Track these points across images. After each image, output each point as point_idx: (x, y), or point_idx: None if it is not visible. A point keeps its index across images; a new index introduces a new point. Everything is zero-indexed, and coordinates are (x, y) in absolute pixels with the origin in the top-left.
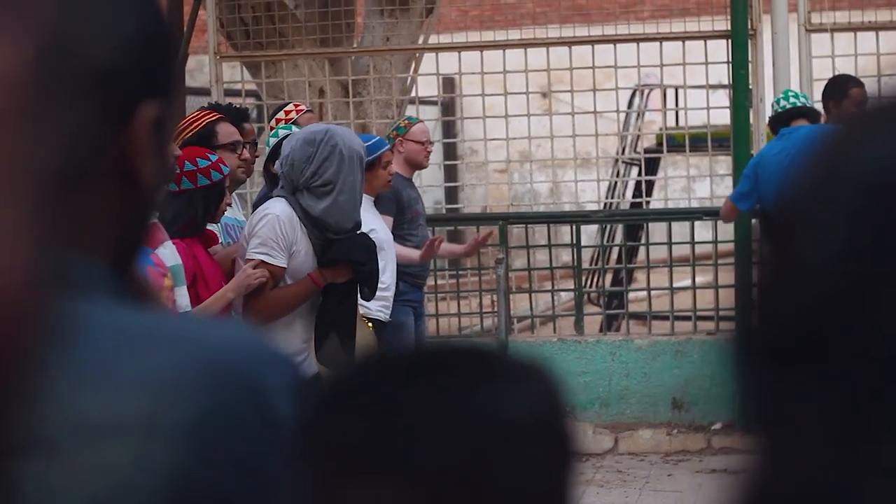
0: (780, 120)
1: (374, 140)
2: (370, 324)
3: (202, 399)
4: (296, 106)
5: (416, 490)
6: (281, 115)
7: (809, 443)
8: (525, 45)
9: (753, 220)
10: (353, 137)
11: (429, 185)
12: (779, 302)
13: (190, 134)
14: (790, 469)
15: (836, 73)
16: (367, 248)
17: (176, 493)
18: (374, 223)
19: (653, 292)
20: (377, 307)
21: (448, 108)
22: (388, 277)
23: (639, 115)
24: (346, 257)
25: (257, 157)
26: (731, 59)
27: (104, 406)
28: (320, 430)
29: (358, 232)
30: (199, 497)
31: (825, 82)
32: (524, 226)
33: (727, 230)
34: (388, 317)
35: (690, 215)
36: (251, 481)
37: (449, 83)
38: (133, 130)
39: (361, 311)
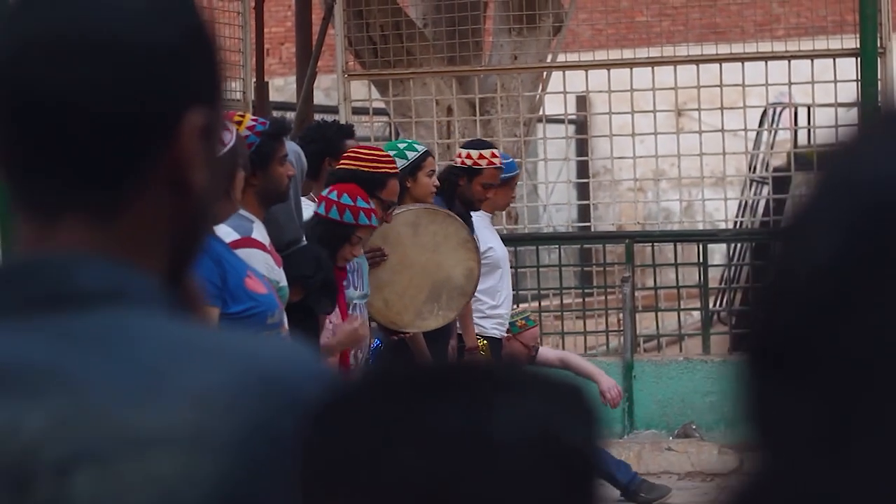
0: None
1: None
2: (484, 341)
3: (250, 414)
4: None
5: None
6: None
7: (798, 446)
8: (653, 63)
9: None
10: (292, 148)
11: (559, 203)
12: (770, 309)
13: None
14: (781, 472)
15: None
16: (315, 259)
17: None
18: (492, 241)
19: None
20: (492, 325)
21: (581, 126)
22: (503, 295)
23: (770, 133)
24: (290, 273)
25: None
26: (860, 77)
27: (154, 418)
28: (306, 446)
29: (303, 245)
30: None
31: None
32: (651, 245)
33: None
34: (503, 334)
35: None
36: (296, 498)
37: (581, 101)
38: (180, 139)
39: (476, 329)
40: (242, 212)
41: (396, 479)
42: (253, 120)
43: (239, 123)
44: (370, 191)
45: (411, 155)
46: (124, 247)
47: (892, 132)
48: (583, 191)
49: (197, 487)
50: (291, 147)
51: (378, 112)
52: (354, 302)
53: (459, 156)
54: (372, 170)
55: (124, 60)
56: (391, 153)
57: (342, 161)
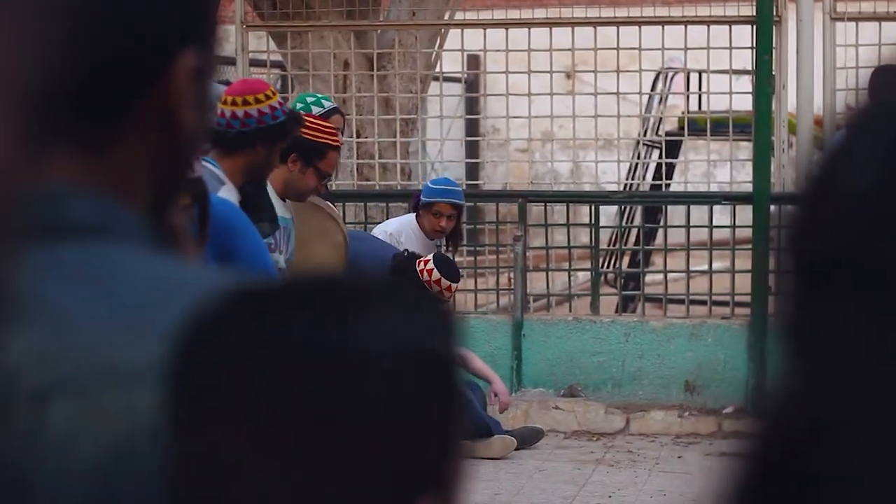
0: None
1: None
2: None
3: None
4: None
5: (259, 423)
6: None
7: (843, 354)
8: (550, 24)
9: (772, 207)
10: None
11: (450, 161)
12: (814, 227)
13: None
14: (822, 380)
15: (860, 61)
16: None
17: None
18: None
19: (669, 275)
20: None
21: (472, 85)
22: None
23: (662, 98)
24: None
25: None
26: (755, 45)
27: (132, 351)
28: (178, 369)
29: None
30: None
31: (848, 71)
32: (543, 205)
33: (745, 215)
34: None
35: (709, 199)
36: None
37: (474, 60)
38: (172, 79)
39: None
40: (218, 171)
41: (253, 396)
42: (281, 101)
43: (268, 98)
44: (308, 159)
45: (316, 110)
46: (112, 182)
47: None
48: (472, 150)
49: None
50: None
51: (275, 65)
52: (280, 267)
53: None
54: (313, 139)
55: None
56: (297, 105)
57: None
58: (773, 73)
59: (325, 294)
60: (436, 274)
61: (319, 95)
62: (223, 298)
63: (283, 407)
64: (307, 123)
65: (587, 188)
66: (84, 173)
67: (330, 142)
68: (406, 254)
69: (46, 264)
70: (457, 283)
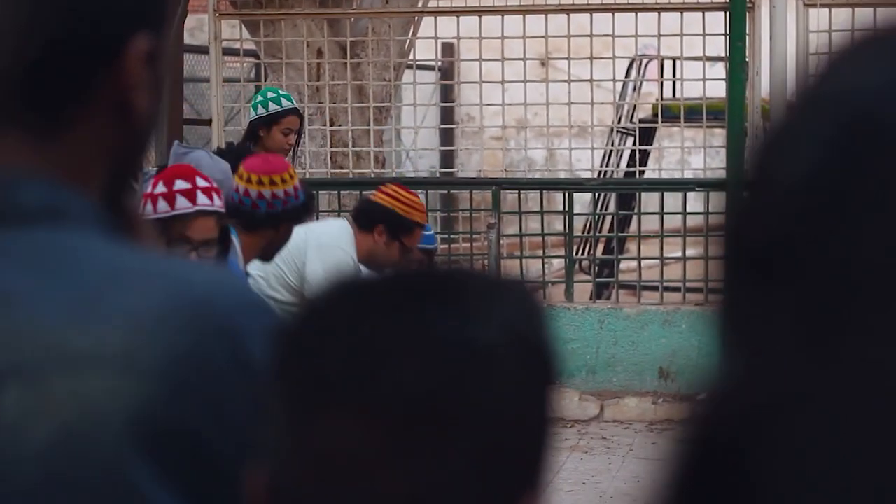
0: None
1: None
2: None
3: (179, 337)
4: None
5: (383, 421)
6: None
7: (779, 347)
8: (524, 11)
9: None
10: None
11: (424, 149)
12: (753, 216)
13: None
14: (758, 372)
15: (833, 47)
16: None
17: (145, 426)
18: None
19: (643, 262)
20: None
21: (446, 72)
22: None
23: (635, 85)
24: None
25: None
26: (728, 32)
27: (84, 337)
28: (285, 363)
29: None
30: (167, 432)
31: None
32: (517, 192)
33: (719, 202)
34: None
35: (683, 186)
36: (221, 422)
37: (448, 48)
38: (125, 63)
39: None
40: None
41: (393, 388)
42: (299, 185)
43: (291, 178)
44: (396, 233)
45: (272, 107)
46: (65, 168)
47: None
48: (445, 138)
49: (121, 407)
50: (220, 165)
51: (248, 53)
52: None
53: None
54: (405, 214)
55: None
56: (258, 98)
57: (378, 195)
58: (747, 59)
59: (432, 286)
60: None
61: (281, 92)
62: (331, 292)
63: (401, 400)
64: (401, 198)
65: (561, 175)
66: (36, 159)
67: (419, 220)
68: None
69: None
70: None
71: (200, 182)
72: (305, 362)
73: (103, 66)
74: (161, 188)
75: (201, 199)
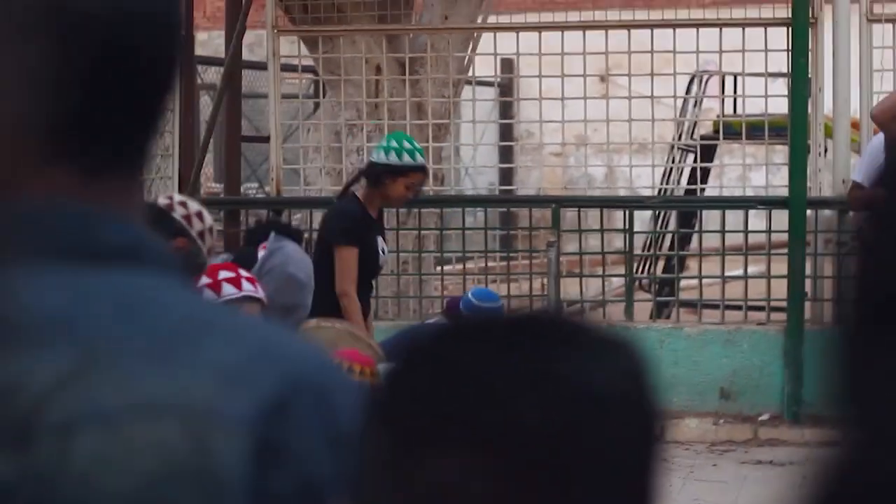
0: None
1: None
2: None
3: (267, 392)
4: None
5: (498, 458)
6: None
7: None
8: (584, 27)
9: (808, 212)
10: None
11: (483, 166)
12: (880, 261)
13: None
14: (883, 447)
15: None
16: None
17: (228, 480)
18: None
19: (704, 281)
20: None
21: (505, 89)
22: None
23: (696, 101)
24: None
25: None
26: (790, 48)
27: (168, 385)
28: (397, 399)
29: None
30: (249, 487)
31: (884, 73)
32: (577, 210)
33: (781, 220)
34: None
35: (745, 204)
36: (304, 482)
37: (507, 64)
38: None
39: None
40: None
41: (512, 425)
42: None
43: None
44: None
45: (406, 159)
46: (136, 207)
47: None
48: (505, 154)
49: (204, 458)
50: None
51: (306, 69)
52: None
53: None
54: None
55: (166, 15)
56: (391, 143)
57: None
58: (809, 75)
59: (548, 328)
60: None
61: (416, 145)
62: (435, 333)
63: (519, 437)
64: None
65: (621, 193)
66: (123, 198)
67: None
68: None
69: (75, 288)
70: None
71: (243, 272)
72: (419, 399)
73: (161, 105)
74: (205, 279)
75: (246, 286)
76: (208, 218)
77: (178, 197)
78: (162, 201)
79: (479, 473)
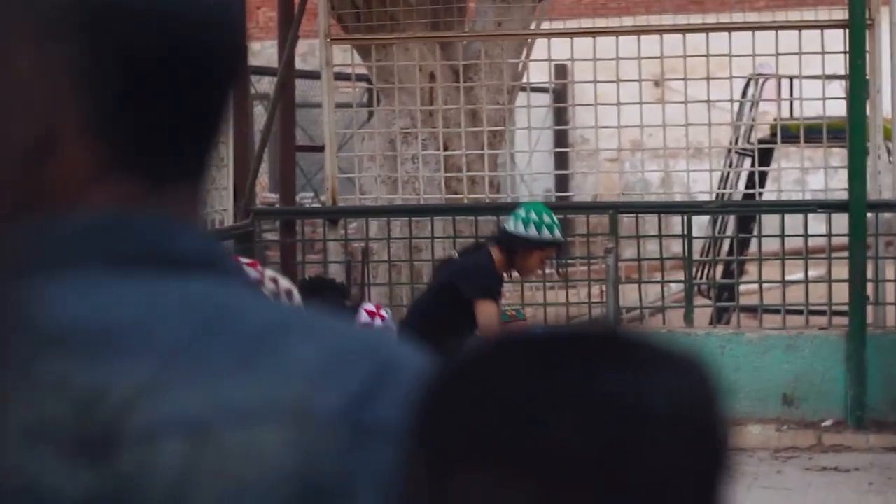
0: None
1: None
2: None
3: (355, 382)
4: None
5: (534, 478)
6: None
7: None
8: (638, 32)
9: (868, 214)
10: None
11: (539, 173)
12: None
13: None
14: None
15: None
16: None
17: (328, 474)
18: None
19: (764, 285)
20: None
21: (560, 95)
22: None
23: (753, 105)
24: None
25: None
26: (848, 50)
27: (256, 390)
28: (434, 418)
29: None
30: (350, 476)
31: None
32: (634, 215)
33: (841, 223)
34: None
35: (804, 208)
36: (386, 477)
37: (561, 70)
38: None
39: None
40: None
41: (554, 446)
42: None
43: None
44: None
45: (545, 235)
46: (199, 216)
47: None
48: (560, 161)
49: (301, 461)
50: None
51: (360, 78)
52: None
53: None
54: None
55: (230, 26)
56: (530, 216)
57: None
58: (867, 77)
59: (600, 345)
60: None
61: (555, 220)
62: (483, 349)
63: (556, 457)
64: None
65: (678, 198)
66: (193, 207)
67: None
68: None
69: (152, 296)
70: None
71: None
72: (457, 419)
73: (225, 113)
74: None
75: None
76: (297, 297)
77: (269, 273)
78: (253, 274)
79: (517, 496)
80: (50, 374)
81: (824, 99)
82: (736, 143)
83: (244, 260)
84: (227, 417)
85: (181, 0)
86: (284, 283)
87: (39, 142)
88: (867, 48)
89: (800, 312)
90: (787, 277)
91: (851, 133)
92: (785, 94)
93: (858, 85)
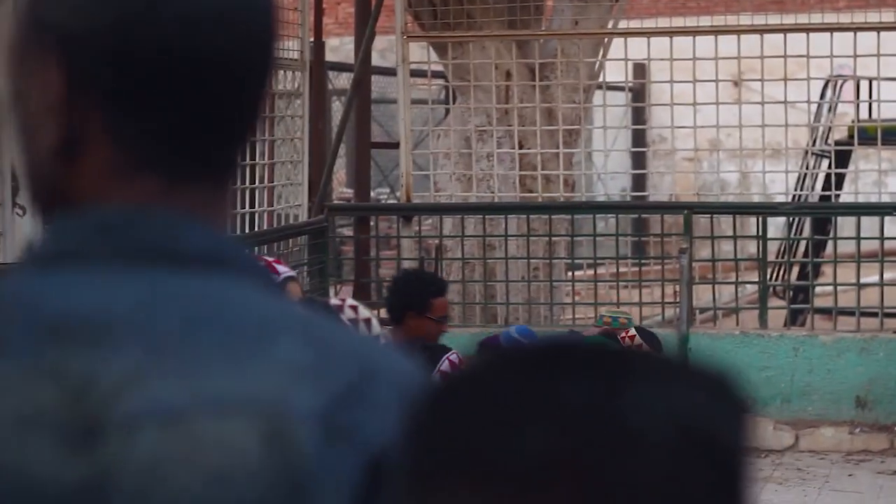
0: None
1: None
2: None
3: (337, 382)
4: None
5: (499, 486)
6: None
7: None
8: (716, 31)
9: None
10: None
11: (615, 172)
12: None
13: None
14: None
15: None
16: None
17: (298, 469)
18: None
19: (839, 288)
20: None
21: (637, 94)
22: None
23: (831, 106)
24: None
25: None
26: None
27: (238, 383)
28: (423, 426)
29: None
30: (322, 471)
31: None
32: (710, 216)
33: None
34: None
35: (880, 210)
36: (377, 458)
37: (640, 69)
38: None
39: None
40: None
41: (524, 456)
42: None
43: None
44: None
45: None
46: (221, 215)
47: None
48: (637, 160)
49: (273, 454)
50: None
51: (436, 75)
52: None
53: None
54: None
55: (255, 29)
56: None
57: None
58: None
59: (595, 361)
60: (644, 347)
61: None
62: (480, 359)
63: (517, 465)
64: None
65: (755, 199)
66: (206, 204)
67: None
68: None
69: (148, 289)
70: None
71: (267, 258)
72: (435, 429)
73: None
74: None
75: (282, 269)
76: (376, 327)
77: (350, 301)
78: (334, 301)
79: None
80: (46, 362)
81: None
82: (813, 144)
83: (268, 259)
84: (202, 408)
85: (202, 6)
86: (364, 312)
87: (65, 143)
88: None
89: (875, 315)
90: (863, 280)
91: None
92: (863, 95)
93: None
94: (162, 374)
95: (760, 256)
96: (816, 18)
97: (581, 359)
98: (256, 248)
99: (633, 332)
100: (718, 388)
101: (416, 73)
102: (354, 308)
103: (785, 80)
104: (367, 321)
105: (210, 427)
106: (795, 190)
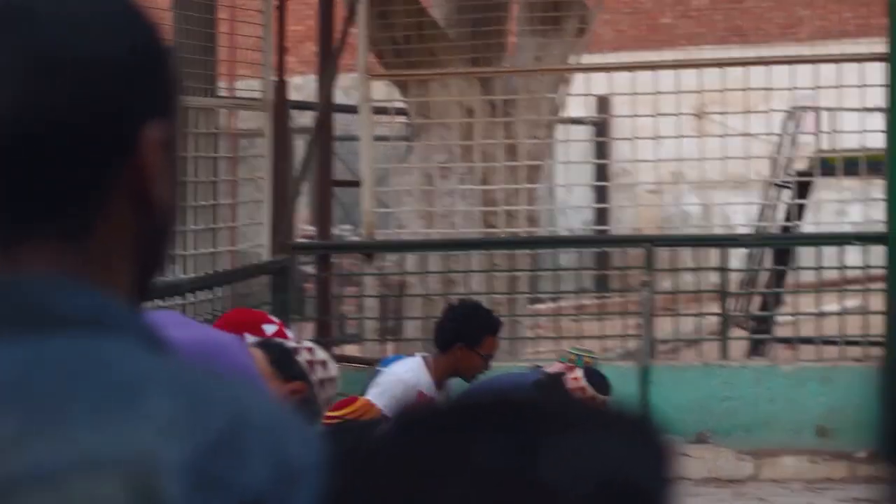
0: None
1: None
2: None
3: (206, 434)
4: None
5: None
6: None
7: None
8: (677, 66)
9: None
10: None
11: (578, 206)
12: None
13: None
14: None
15: None
16: None
17: None
18: None
19: (800, 317)
20: None
21: (601, 127)
22: None
23: (792, 137)
24: None
25: None
26: (888, 83)
27: (108, 441)
28: (339, 490)
29: None
30: None
31: None
32: (670, 248)
33: (878, 255)
34: None
35: (839, 240)
36: None
37: (603, 102)
38: (140, 154)
39: None
40: None
41: None
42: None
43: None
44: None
45: None
46: (94, 267)
47: None
48: (600, 193)
49: None
50: None
51: (399, 112)
52: None
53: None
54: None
55: (75, 78)
56: None
57: None
58: None
59: (517, 416)
60: (588, 390)
61: None
62: (400, 419)
63: None
64: None
65: (717, 230)
66: (65, 262)
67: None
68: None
69: (24, 353)
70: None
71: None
72: (350, 493)
73: (118, 159)
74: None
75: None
76: (333, 369)
77: (306, 343)
78: (290, 344)
79: None
80: None
81: (864, 132)
82: (776, 175)
83: (273, 321)
84: (74, 467)
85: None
86: (320, 354)
87: None
88: None
89: (836, 343)
90: (823, 309)
91: (890, 165)
92: (824, 126)
93: None
94: (37, 438)
95: (722, 288)
96: (779, 50)
97: (495, 418)
98: (220, 288)
99: (578, 373)
100: (638, 433)
101: (378, 111)
102: (311, 350)
103: (747, 112)
104: (324, 363)
105: (81, 486)
106: (758, 221)
